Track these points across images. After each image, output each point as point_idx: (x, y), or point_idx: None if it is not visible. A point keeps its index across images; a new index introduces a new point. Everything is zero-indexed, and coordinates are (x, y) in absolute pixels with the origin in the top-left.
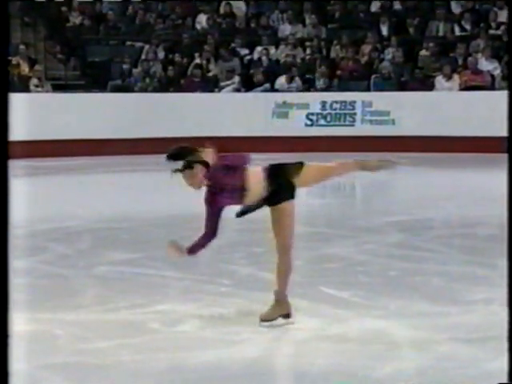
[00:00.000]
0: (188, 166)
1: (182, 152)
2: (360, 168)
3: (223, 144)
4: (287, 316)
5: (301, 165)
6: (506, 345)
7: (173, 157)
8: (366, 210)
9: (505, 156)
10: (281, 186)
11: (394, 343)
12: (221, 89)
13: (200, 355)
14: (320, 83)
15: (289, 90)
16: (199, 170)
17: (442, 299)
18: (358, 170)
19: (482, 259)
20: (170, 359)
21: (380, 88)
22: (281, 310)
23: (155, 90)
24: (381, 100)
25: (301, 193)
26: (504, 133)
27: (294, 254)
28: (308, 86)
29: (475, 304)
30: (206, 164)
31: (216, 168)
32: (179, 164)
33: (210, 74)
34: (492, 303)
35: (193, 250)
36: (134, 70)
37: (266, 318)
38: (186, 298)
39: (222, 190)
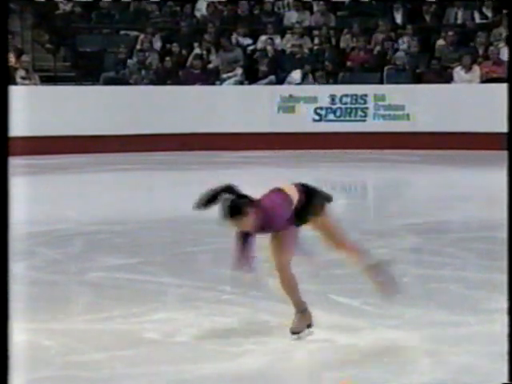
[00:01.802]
0: (241, 213)
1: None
2: (364, 267)
3: (224, 141)
4: (309, 326)
5: (327, 201)
6: None
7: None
8: (378, 213)
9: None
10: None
11: (409, 355)
12: (222, 81)
13: (200, 368)
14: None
15: (296, 83)
16: (252, 216)
17: (460, 308)
18: (360, 265)
19: (502, 264)
20: (167, 372)
21: (394, 80)
22: (306, 320)
23: (151, 83)
24: (395, 93)
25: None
26: None
27: (299, 259)
28: (316, 77)
29: (496, 313)
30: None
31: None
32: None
33: (211, 66)
34: None
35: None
36: (129, 61)
37: (295, 331)
38: (185, 306)
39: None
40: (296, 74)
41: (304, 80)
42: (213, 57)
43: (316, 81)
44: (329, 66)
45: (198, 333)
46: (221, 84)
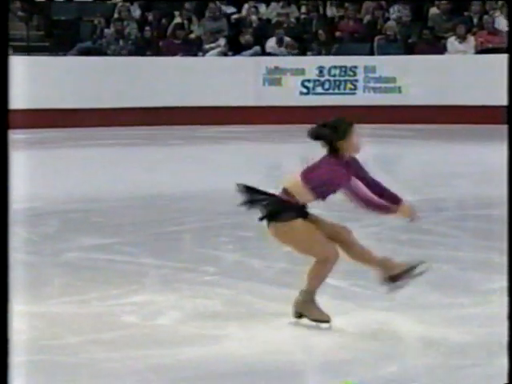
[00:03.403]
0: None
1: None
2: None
3: (207, 115)
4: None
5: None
6: None
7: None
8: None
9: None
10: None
11: (400, 338)
12: (205, 52)
13: (181, 352)
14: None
15: (282, 54)
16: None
17: (454, 289)
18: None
19: (498, 244)
20: (147, 357)
21: (385, 51)
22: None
23: (130, 54)
24: (386, 65)
25: (295, 170)
26: None
27: None
28: (303, 48)
29: (491, 294)
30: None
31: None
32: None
33: (193, 36)
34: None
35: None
36: (106, 31)
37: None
38: (166, 287)
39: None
40: (270, 42)
41: (282, 45)
42: (195, 26)
43: (305, 51)
44: (321, 35)
45: (180, 315)
46: (203, 55)
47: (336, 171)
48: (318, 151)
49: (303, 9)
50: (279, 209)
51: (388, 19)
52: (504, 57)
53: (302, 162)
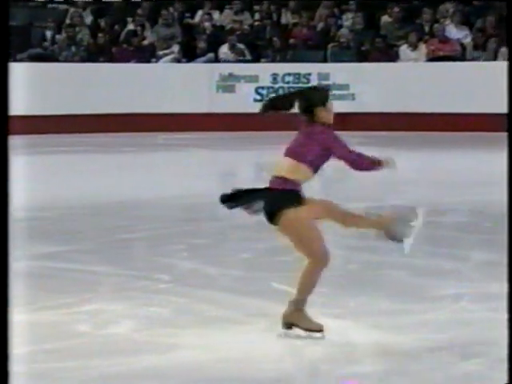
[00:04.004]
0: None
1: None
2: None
3: (160, 122)
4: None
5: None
6: (475, 344)
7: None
8: (325, 196)
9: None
10: None
11: (354, 345)
12: (158, 59)
13: (135, 361)
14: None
15: (235, 61)
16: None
17: (407, 295)
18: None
19: (450, 251)
20: (101, 366)
21: (338, 58)
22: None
23: (82, 60)
24: (339, 72)
25: (250, 176)
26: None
27: (242, 245)
28: (257, 56)
29: (443, 300)
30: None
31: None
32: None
33: (146, 42)
34: (461, 299)
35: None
36: (58, 37)
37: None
38: (120, 296)
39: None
40: (223, 49)
41: (234, 51)
42: (148, 33)
43: (259, 58)
44: (275, 42)
45: (133, 324)
46: (157, 62)
47: (329, 138)
48: (272, 157)
49: (257, 16)
50: (283, 198)
51: (341, 27)
52: (455, 65)
53: (256, 168)
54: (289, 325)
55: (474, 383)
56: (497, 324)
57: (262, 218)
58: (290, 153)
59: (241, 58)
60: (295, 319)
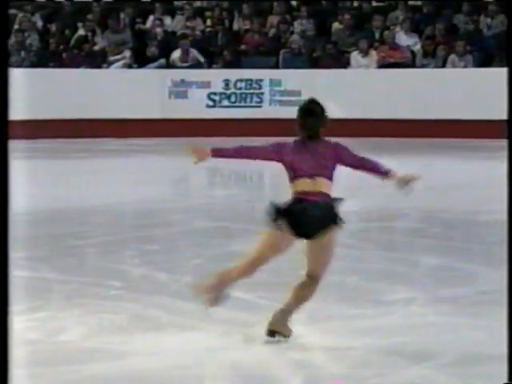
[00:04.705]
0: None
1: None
2: None
3: (112, 128)
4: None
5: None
6: (426, 348)
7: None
8: (275, 202)
9: (429, 141)
10: None
11: (306, 350)
12: (109, 64)
13: (86, 368)
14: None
15: (187, 67)
16: None
17: (358, 300)
18: None
19: (401, 255)
20: (52, 373)
21: (290, 65)
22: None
23: (32, 65)
24: (291, 78)
25: (202, 183)
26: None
27: (194, 251)
28: (209, 62)
29: (394, 305)
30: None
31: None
32: None
33: (97, 48)
34: (412, 303)
35: (218, 153)
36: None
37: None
38: (71, 303)
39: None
40: (175, 54)
41: (187, 57)
42: (99, 38)
43: (211, 64)
44: (227, 48)
45: (84, 331)
46: (108, 67)
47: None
48: (228, 163)
49: (209, 22)
50: (334, 214)
51: (292, 33)
52: (405, 71)
53: (208, 174)
54: (273, 332)
55: None
56: (447, 328)
57: (215, 223)
58: (318, 173)
59: (183, 64)
60: (282, 328)
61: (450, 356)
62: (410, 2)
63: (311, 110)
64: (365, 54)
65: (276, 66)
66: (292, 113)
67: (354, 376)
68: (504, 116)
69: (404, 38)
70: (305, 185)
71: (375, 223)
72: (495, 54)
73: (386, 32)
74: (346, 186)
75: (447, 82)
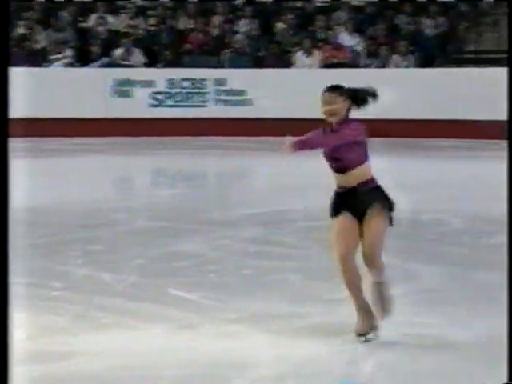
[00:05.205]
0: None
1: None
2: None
3: (54, 127)
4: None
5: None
6: (369, 346)
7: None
8: (219, 202)
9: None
10: None
11: (250, 349)
12: (51, 63)
13: (30, 370)
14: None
15: (130, 66)
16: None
17: (302, 299)
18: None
19: None
20: None
21: (234, 64)
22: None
23: None
24: (236, 78)
25: (146, 182)
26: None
27: (138, 251)
28: (153, 61)
29: (337, 303)
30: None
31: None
32: None
33: (38, 46)
34: None
35: (303, 145)
36: None
37: (360, 333)
38: (13, 304)
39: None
40: (117, 53)
41: (129, 56)
42: (40, 36)
43: (154, 63)
44: (171, 47)
45: (26, 333)
46: (49, 66)
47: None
48: (167, 163)
49: (152, 20)
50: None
51: (237, 33)
52: (348, 71)
53: (151, 174)
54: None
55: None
56: (388, 325)
57: (159, 223)
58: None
59: (123, 62)
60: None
61: (392, 352)
62: (352, 3)
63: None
64: (308, 53)
65: (220, 66)
66: (237, 112)
67: (298, 374)
68: (445, 115)
69: (347, 38)
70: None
71: (320, 222)
72: (436, 55)
73: (330, 32)
74: (291, 185)
75: (390, 82)
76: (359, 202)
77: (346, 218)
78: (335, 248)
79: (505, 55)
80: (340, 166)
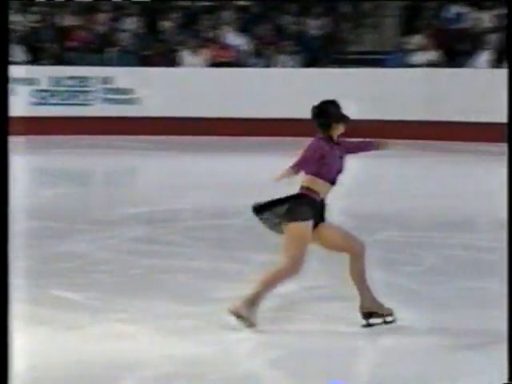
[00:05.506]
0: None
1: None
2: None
3: None
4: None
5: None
6: (260, 341)
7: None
8: (105, 201)
9: (256, 139)
10: None
11: (138, 349)
12: None
13: None
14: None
15: (12, 63)
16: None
17: (189, 298)
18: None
19: (232, 253)
20: None
21: (121, 63)
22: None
23: None
24: (122, 76)
25: (28, 181)
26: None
27: (21, 253)
28: (35, 57)
29: (225, 302)
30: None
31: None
32: None
33: None
34: None
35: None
36: None
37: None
38: None
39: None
40: None
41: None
42: None
43: (36, 60)
44: (54, 44)
45: None
46: None
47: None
48: (55, 161)
49: (35, 17)
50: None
51: (123, 31)
52: (234, 71)
53: (34, 173)
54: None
55: (281, 380)
56: (276, 322)
57: (42, 223)
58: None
59: (18, 58)
60: (245, 313)
61: (281, 349)
62: (238, 3)
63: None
64: (195, 53)
65: (107, 64)
66: (124, 111)
67: (185, 373)
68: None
69: (233, 38)
70: (326, 189)
71: (207, 221)
72: (320, 55)
73: (216, 31)
74: (178, 184)
75: (276, 82)
76: (323, 213)
77: (310, 226)
78: (294, 250)
79: (385, 56)
80: (338, 177)
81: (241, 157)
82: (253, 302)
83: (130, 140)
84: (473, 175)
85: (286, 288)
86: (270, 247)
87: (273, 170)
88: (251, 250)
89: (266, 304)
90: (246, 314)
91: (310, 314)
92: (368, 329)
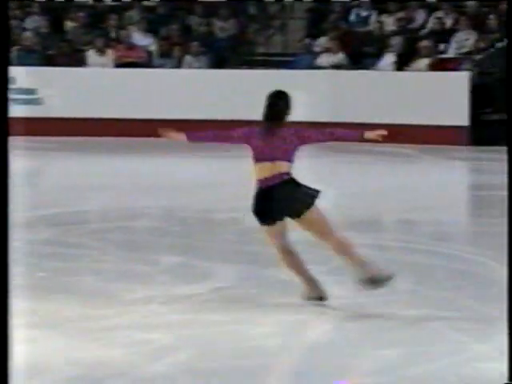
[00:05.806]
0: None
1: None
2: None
3: None
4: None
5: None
6: (166, 345)
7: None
8: (10, 203)
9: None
10: None
11: (42, 354)
12: None
13: None
14: None
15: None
16: None
17: (98, 300)
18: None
19: (141, 255)
20: None
21: (23, 62)
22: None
23: None
24: (25, 76)
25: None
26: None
27: None
28: None
29: (133, 304)
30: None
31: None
32: None
33: None
34: (152, 302)
35: (194, 137)
36: None
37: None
38: None
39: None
40: None
41: None
42: None
43: None
44: None
45: None
46: None
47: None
48: None
49: None
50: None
51: (25, 29)
52: (141, 71)
53: None
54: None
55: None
56: (184, 324)
57: None
58: (278, 156)
59: None
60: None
61: (188, 351)
62: (144, 3)
63: (276, 100)
64: (101, 52)
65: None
66: (26, 111)
67: (90, 376)
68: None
69: (140, 38)
70: (265, 169)
71: (115, 223)
72: (228, 56)
73: (122, 31)
74: (84, 185)
75: (183, 82)
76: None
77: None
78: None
79: (291, 58)
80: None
81: (147, 158)
82: (362, 263)
83: (33, 141)
84: (370, 175)
85: (192, 289)
86: (179, 249)
87: (178, 171)
88: (160, 251)
89: (175, 306)
90: (376, 271)
91: (220, 315)
92: (282, 327)
